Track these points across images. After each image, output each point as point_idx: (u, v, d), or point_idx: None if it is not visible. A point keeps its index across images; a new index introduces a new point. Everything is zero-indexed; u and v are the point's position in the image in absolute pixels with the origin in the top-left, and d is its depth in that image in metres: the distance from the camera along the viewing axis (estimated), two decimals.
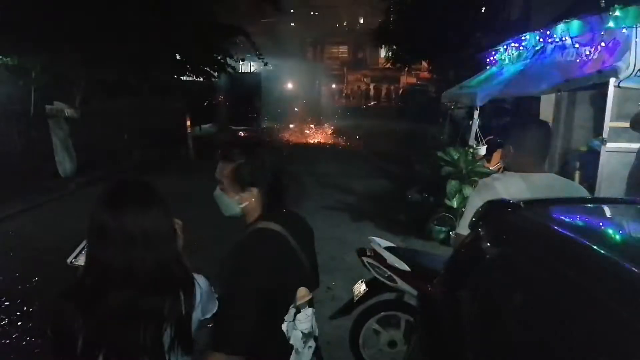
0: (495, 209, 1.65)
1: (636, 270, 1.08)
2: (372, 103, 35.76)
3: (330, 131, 18.82)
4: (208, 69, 11.85)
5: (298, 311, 1.41)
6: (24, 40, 7.33)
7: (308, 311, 1.42)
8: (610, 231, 1.49)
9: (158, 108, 11.70)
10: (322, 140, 16.94)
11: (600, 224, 1.56)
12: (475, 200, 2.02)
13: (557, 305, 1.17)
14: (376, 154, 13.06)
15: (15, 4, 7.09)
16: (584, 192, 2.13)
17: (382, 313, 3.11)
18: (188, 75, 12.25)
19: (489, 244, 1.56)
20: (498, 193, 1.98)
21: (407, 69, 19.55)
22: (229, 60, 12.08)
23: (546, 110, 6.66)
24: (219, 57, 11.78)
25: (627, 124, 4.30)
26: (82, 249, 1.48)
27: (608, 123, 4.33)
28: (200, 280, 1.41)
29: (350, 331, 3.14)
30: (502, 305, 1.33)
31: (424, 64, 17.50)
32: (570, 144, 6.70)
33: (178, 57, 11.13)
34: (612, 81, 4.00)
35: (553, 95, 6.52)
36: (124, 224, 1.26)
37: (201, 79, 12.45)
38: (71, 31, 7.53)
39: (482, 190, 2.11)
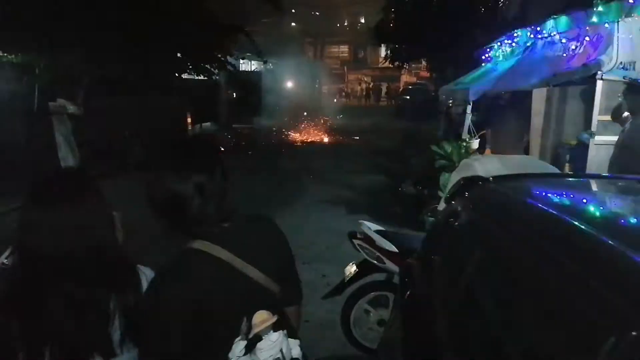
0: (467, 184, 1.80)
1: (577, 225, 1.22)
2: (372, 101, 35.90)
3: (330, 129, 18.94)
4: (209, 67, 12.00)
5: (259, 339, 1.20)
6: (27, 37, 7.48)
7: (273, 336, 1.20)
8: (564, 198, 1.64)
9: (159, 106, 11.83)
10: (321, 138, 17.07)
11: (557, 193, 1.71)
12: (455, 178, 2.17)
13: (513, 261, 1.32)
14: (374, 151, 13.19)
15: (19, 2, 7.24)
16: (554, 172, 2.28)
17: (372, 293, 3.26)
18: (189, 74, 12.40)
19: (459, 214, 1.71)
20: (476, 171, 2.13)
21: (406, 67, 19.64)
22: (229, 59, 12.24)
23: (538, 105, 6.78)
24: (220, 56, 11.94)
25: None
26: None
27: (597, 117, 4.45)
28: (147, 271, 1.38)
29: (341, 311, 3.28)
30: (467, 264, 1.47)
31: (424, 62, 17.61)
32: (561, 138, 6.82)
33: (179, 55, 11.29)
34: (599, 75, 4.14)
35: (544, 91, 6.64)
36: (55, 216, 1.23)
37: (202, 77, 12.61)
38: (75, 29, 7.68)
39: (461, 169, 2.26)
